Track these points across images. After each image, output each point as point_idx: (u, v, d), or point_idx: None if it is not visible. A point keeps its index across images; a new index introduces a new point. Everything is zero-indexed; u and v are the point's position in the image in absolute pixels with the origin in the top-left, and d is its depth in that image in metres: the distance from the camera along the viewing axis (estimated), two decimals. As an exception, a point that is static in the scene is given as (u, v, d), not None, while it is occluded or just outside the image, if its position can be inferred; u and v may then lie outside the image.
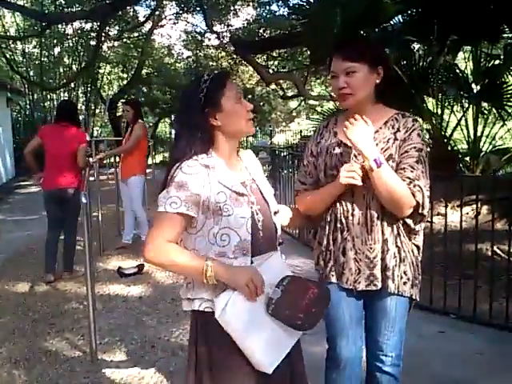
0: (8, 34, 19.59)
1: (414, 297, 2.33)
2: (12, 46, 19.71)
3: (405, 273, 2.28)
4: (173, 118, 24.44)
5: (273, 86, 20.93)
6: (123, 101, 7.05)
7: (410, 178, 2.17)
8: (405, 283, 2.29)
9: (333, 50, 2.30)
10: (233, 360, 1.92)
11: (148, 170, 7.64)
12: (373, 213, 2.24)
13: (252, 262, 1.95)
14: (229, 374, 1.93)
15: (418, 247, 2.35)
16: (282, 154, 8.56)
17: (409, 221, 2.26)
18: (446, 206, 4.61)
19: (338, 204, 2.29)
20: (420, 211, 2.22)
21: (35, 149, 5.80)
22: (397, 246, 2.28)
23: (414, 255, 2.33)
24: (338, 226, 2.30)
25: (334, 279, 2.33)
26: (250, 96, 21.99)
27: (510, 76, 7.68)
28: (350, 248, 2.28)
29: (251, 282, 1.85)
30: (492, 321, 4.15)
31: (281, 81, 19.60)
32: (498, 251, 4.85)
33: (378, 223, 2.24)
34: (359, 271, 2.28)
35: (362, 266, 2.27)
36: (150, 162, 13.48)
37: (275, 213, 2.10)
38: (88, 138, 5.93)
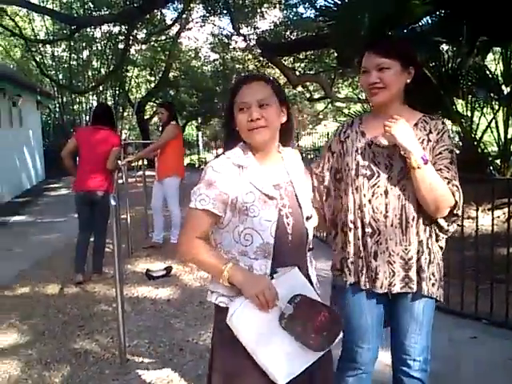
0: (38, 37, 19.95)
1: (439, 298, 2.33)
2: (42, 49, 20.07)
3: (433, 274, 2.29)
4: (199, 121, 24.62)
5: (299, 89, 20.86)
6: (159, 102, 7.15)
7: (447, 178, 2.19)
8: (433, 285, 2.29)
9: (365, 47, 2.28)
10: (244, 366, 1.92)
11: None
12: (408, 214, 2.22)
13: (273, 267, 1.96)
14: (239, 380, 1.95)
15: (441, 248, 2.36)
16: (309, 157, 8.53)
17: (443, 222, 2.25)
18: (477, 210, 4.54)
19: (364, 208, 2.25)
20: (455, 211, 2.22)
21: (72, 151, 5.88)
22: (428, 247, 2.27)
23: (439, 256, 2.34)
24: (367, 230, 2.26)
25: (367, 286, 2.29)
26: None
27: (541, 77, 7.56)
28: (383, 251, 2.25)
29: (262, 294, 1.85)
30: (525, 326, 4.07)
31: (307, 83, 19.57)
32: (531, 256, 4.75)
33: (413, 224, 2.22)
34: (393, 273, 2.25)
35: (397, 268, 2.25)
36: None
37: (307, 218, 2.08)
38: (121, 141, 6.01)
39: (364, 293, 2.32)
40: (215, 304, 2.02)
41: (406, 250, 2.24)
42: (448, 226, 2.26)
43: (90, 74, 20.94)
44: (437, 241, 2.31)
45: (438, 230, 2.29)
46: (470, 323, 4.31)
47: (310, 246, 2.14)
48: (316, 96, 22.08)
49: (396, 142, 2.14)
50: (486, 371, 3.54)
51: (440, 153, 2.23)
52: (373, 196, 2.24)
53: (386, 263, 2.25)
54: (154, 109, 6.86)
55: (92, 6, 17.02)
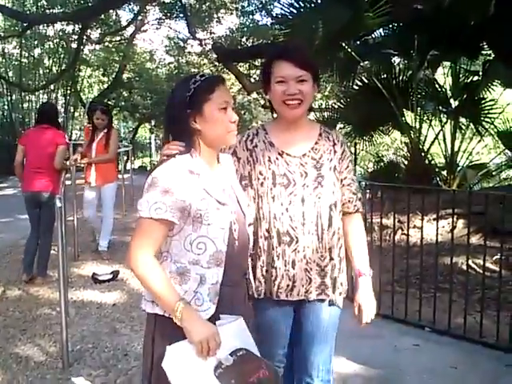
0: (-13, 33, 19.40)
1: (340, 307, 2.35)
2: (-9, 45, 19.51)
3: (341, 284, 2.31)
4: (153, 123, 24.40)
5: (254, 95, 20.95)
6: (93, 106, 6.91)
7: (355, 194, 2.34)
8: (340, 293, 2.31)
9: (277, 55, 2.21)
10: None
11: (126, 176, 7.59)
12: (323, 221, 2.22)
13: (225, 273, 1.93)
14: None
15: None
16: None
17: None
18: (423, 219, 4.65)
19: (282, 216, 2.19)
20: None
21: (22, 159, 5.81)
22: (338, 256, 2.30)
23: (345, 265, 2.37)
24: (285, 239, 2.20)
25: (280, 296, 2.23)
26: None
27: (488, 92, 7.83)
28: (301, 259, 2.21)
29: (206, 342, 1.82)
30: (466, 334, 4.17)
31: (262, 90, 19.64)
32: (473, 265, 4.89)
33: (326, 231, 2.23)
34: (310, 281, 2.23)
35: (313, 275, 2.23)
36: (128, 167, 13.39)
37: (250, 224, 2.09)
38: (67, 140, 5.86)
39: (276, 302, 2.26)
40: (159, 315, 1.95)
41: (321, 257, 2.24)
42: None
43: (41, 72, 20.47)
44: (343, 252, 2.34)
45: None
46: (413, 331, 4.38)
47: (251, 252, 2.15)
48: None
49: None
50: (429, 379, 3.61)
51: (347, 166, 2.33)
52: (290, 204, 2.20)
53: (304, 271, 2.22)
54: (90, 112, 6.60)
55: (45, 3, 16.70)
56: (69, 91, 21.27)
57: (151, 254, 1.89)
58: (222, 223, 1.92)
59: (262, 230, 2.23)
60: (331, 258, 2.26)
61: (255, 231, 2.24)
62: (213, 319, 1.91)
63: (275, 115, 2.34)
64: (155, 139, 25.59)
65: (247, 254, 2.09)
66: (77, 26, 17.06)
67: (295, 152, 2.24)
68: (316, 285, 2.24)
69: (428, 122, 8.07)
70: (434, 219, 5.23)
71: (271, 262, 2.23)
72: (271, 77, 2.21)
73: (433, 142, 7.98)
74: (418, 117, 7.81)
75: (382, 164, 9.16)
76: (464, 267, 4.60)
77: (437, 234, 4.52)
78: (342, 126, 9.11)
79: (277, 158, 2.24)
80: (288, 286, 2.23)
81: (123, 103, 22.75)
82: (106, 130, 6.53)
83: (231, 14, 19.40)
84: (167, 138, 2.02)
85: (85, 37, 17.17)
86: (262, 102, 21.79)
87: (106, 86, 22.92)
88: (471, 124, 7.96)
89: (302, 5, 7.29)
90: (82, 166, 6.76)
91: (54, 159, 5.61)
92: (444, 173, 8.15)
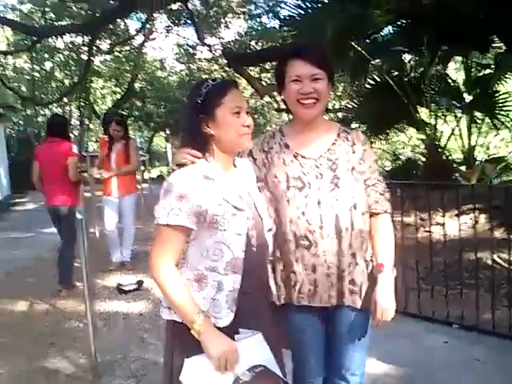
0: (-2, 48, 19.65)
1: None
2: (3, 61, 19.71)
3: (369, 288, 2.23)
4: (168, 132, 24.46)
5: (267, 99, 20.95)
6: (109, 116, 6.92)
7: (382, 194, 2.27)
8: (370, 298, 2.22)
9: (292, 54, 2.18)
10: None
11: (144, 185, 7.62)
12: (343, 223, 2.15)
13: (243, 280, 1.91)
14: None
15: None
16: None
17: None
18: (444, 216, 4.62)
19: (299, 220, 2.14)
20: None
21: (38, 173, 5.87)
22: (365, 260, 2.24)
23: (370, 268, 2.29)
24: (303, 243, 2.14)
25: (302, 301, 2.19)
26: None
27: (500, 85, 7.77)
28: (322, 263, 2.14)
29: (223, 357, 1.81)
30: (495, 330, 4.14)
31: (275, 93, 19.64)
32: (498, 260, 4.86)
33: (346, 234, 2.15)
34: (332, 286, 2.17)
35: (336, 280, 2.17)
36: (146, 176, 13.43)
37: (269, 229, 2.06)
38: (76, 151, 5.87)
39: (299, 310, 2.21)
40: (177, 321, 1.95)
41: (343, 261, 2.16)
42: None
43: (53, 85, 20.66)
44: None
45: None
46: (441, 328, 4.36)
47: (271, 258, 2.12)
48: (284, 106, 22.08)
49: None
50: (459, 375, 3.58)
51: (370, 166, 2.25)
52: (306, 207, 2.13)
53: (325, 275, 2.15)
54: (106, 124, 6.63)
55: (53, 15, 16.83)
56: (82, 103, 21.44)
57: (172, 262, 1.89)
58: (238, 229, 1.90)
59: (280, 234, 2.18)
60: (356, 263, 2.19)
61: (275, 235, 2.18)
62: (231, 327, 1.90)
63: (291, 117, 2.30)
64: (171, 147, 25.70)
65: (266, 261, 2.07)
66: (86, 37, 17.16)
67: (310, 154, 2.20)
68: (339, 290, 2.18)
69: (443, 117, 8.03)
70: (455, 215, 5.21)
71: (290, 266, 2.17)
72: (285, 76, 2.17)
73: (449, 138, 7.94)
74: (432, 113, 7.77)
75: (399, 162, 9.13)
76: (489, 262, 4.57)
77: (459, 229, 4.50)
78: (356, 125, 9.08)
79: (291, 161, 2.20)
80: (310, 290, 2.17)
81: (137, 113, 22.90)
82: (123, 141, 6.56)
83: (239, 18, 19.38)
84: (184, 144, 2.00)
85: (94, 47, 17.26)
86: (276, 105, 21.83)
87: (118, 96, 23.05)
88: (486, 118, 7.90)
89: (309, 5, 7.29)
90: (100, 177, 6.78)
91: (65, 172, 5.67)
92: (462, 168, 8.10)
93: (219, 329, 1.89)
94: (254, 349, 1.90)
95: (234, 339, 1.89)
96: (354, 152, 2.22)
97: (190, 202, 1.84)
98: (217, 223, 1.87)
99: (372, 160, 2.29)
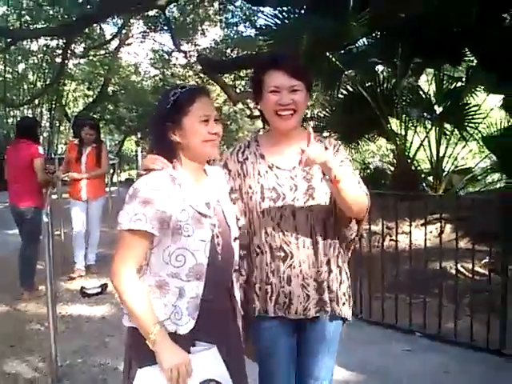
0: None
1: (349, 318, 2.27)
2: (-25, 61, 19.41)
3: (344, 294, 2.23)
4: (139, 136, 24.34)
5: (240, 106, 21.01)
6: (90, 122, 6.81)
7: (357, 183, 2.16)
8: (344, 304, 2.22)
9: (271, 64, 2.15)
10: None
11: (113, 188, 7.55)
12: (317, 233, 2.14)
13: (205, 287, 1.88)
14: None
15: (349, 264, 2.32)
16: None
17: (347, 232, 2.22)
18: (411, 225, 4.66)
19: (274, 231, 2.13)
20: (365, 213, 2.18)
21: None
22: (338, 266, 2.22)
23: (348, 274, 2.29)
24: (279, 254, 2.13)
25: (280, 313, 2.16)
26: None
27: (471, 98, 7.90)
28: (297, 274, 2.13)
29: (176, 369, 1.78)
30: (457, 339, 4.18)
31: (248, 100, 19.71)
32: (462, 269, 4.91)
33: (321, 243, 2.15)
34: (308, 297, 2.15)
35: (311, 291, 2.15)
36: (115, 179, 13.32)
37: (235, 238, 2.04)
38: (42, 152, 5.81)
39: (274, 321, 2.18)
40: (135, 328, 1.89)
41: (318, 272, 2.15)
42: (356, 235, 2.24)
43: (25, 87, 20.39)
44: (343, 261, 2.26)
45: (343, 246, 2.25)
46: (403, 336, 4.38)
47: (236, 267, 2.09)
48: (256, 113, 22.24)
49: (317, 163, 2.00)
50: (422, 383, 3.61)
51: (342, 160, 2.19)
52: (281, 219, 2.12)
53: (300, 287, 2.14)
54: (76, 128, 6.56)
55: (29, 18, 16.66)
56: (54, 106, 21.20)
57: (134, 269, 1.86)
58: (202, 235, 1.88)
59: (254, 245, 2.17)
60: (330, 270, 2.17)
61: (247, 246, 2.18)
62: (192, 334, 1.87)
63: (267, 127, 2.28)
64: (142, 152, 25.53)
65: (231, 269, 2.04)
66: (61, 40, 17.00)
67: (285, 165, 2.17)
68: (314, 301, 2.16)
69: (413, 128, 8.12)
70: (421, 224, 5.25)
71: (265, 278, 2.16)
72: (263, 86, 2.14)
73: (418, 149, 8.02)
74: (403, 124, 7.85)
75: (368, 171, 9.18)
76: (453, 272, 4.61)
77: (425, 239, 4.54)
78: (327, 134, 9.14)
79: (266, 172, 2.18)
80: (285, 303, 2.15)
81: (109, 116, 22.72)
82: (94, 145, 6.49)
83: (215, 25, 19.48)
84: (151, 151, 1.98)
85: (69, 51, 17.09)
86: (248, 112, 21.90)
87: (91, 99, 22.87)
88: (456, 129, 8.02)
89: (286, 16, 7.33)
90: (68, 180, 6.69)
91: (31, 173, 5.62)
92: (430, 178, 8.20)
93: (180, 336, 1.86)
94: (208, 363, 1.87)
95: (194, 346, 1.87)
96: None
97: (155, 208, 1.82)
98: (181, 229, 1.84)
99: (344, 157, 2.23)
